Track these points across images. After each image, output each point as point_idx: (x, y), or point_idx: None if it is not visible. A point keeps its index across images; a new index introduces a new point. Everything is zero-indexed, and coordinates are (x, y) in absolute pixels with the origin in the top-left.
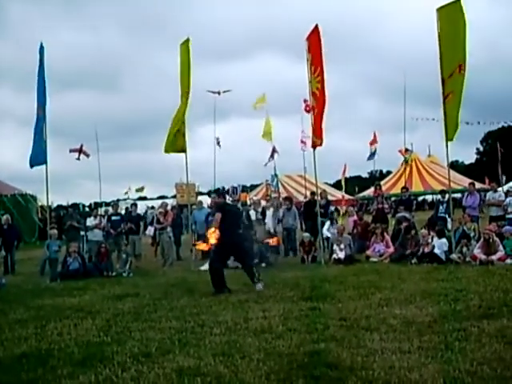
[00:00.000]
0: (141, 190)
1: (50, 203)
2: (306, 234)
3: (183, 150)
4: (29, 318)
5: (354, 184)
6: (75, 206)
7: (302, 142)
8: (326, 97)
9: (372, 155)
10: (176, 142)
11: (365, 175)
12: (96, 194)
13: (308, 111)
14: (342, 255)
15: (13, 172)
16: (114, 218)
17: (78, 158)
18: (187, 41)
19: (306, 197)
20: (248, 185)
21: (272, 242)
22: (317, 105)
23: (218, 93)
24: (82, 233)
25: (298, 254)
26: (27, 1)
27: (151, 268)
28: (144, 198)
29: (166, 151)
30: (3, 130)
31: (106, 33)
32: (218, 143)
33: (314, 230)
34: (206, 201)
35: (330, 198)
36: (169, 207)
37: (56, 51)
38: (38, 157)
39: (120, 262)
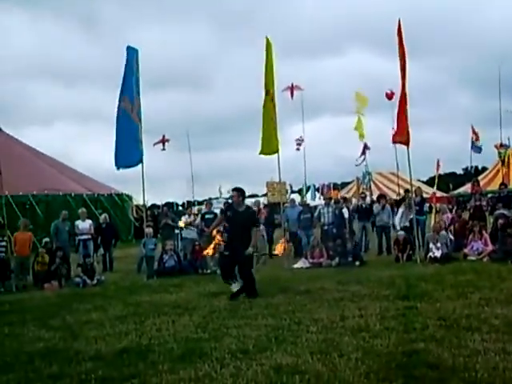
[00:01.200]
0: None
1: (144, 203)
2: (401, 232)
3: (276, 152)
4: (128, 313)
5: (447, 181)
6: (169, 204)
7: None
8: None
9: (477, 148)
10: (270, 144)
11: (459, 172)
12: (188, 193)
13: (389, 98)
14: (438, 254)
15: (108, 171)
16: (207, 216)
17: (164, 149)
18: (268, 39)
19: (398, 194)
20: (339, 182)
21: None
22: (399, 102)
23: (291, 92)
24: (177, 231)
25: (392, 252)
26: (118, 0)
27: None
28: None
29: (263, 153)
30: (95, 130)
31: (196, 30)
32: (299, 145)
33: (409, 229)
34: (298, 199)
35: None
36: (261, 206)
37: (146, 50)
38: (130, 158)
39: (214, 260)
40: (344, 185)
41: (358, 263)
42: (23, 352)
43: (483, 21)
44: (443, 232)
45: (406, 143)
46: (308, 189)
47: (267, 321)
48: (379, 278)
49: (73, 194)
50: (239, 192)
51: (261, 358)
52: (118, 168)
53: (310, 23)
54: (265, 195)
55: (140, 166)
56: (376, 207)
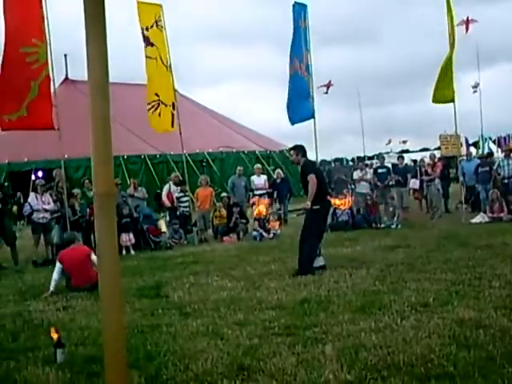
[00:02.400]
0: (404, 142)
1: (317, 159)
2: None
3: (452, 100)
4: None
5: None
6: (339, 160)
7: None
8: None
9: None
10: (445, 92)
11: None
12: (358, 148)
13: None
14: None
15: (276, 128)
16: (380, 170)
17: (326, 92)
18: None
19: None
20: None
21: None
22: None
23: (467, 26)
24: (350, 186)
25: None
26: None
27: (418, 221)
28: (406, 151)
29: (436, 101)
30: (262, 90)
31: None
32: (475, 87)
33: None
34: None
35: None
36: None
37: (314, 7)
38: (302, 113)
39: (387, 214)
40: None
41: None
42: (209, 300)
43: None
44: None
45: None
46: (485, 141)
47: (446, 275)
48: None
49: (246, 151)
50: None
51: (442, 312)
52: (293, 123)
53: None
54: (438, 149)
55: (312, 120)
56: None
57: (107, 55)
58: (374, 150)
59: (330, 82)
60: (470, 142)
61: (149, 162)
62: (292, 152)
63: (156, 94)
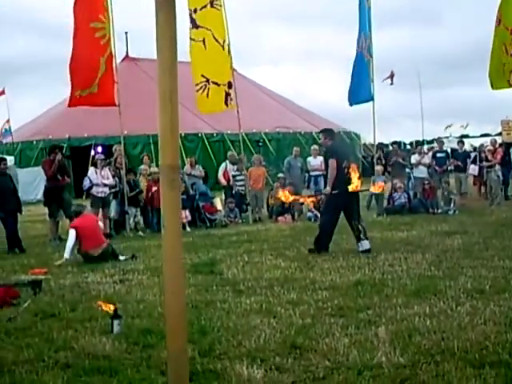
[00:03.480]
0: (466, 126)
1: (374, 141)
2: None
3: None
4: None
5: None
6: (397, 143)
7: None
8: None
9: None
10: (503, 77)
11: None
12: (417, 132)
13: None
14: None
15: (334, 110)
16: (439, 155)
17: (392, 83)
18: None
19: None
20: None
21: None
22: None
23: None
24: (407, 170)
25: None
26: None
27: (477, 207)
28: (466, 136)
29: (495, 87)
30: (324, 69)
31: None
32: None
33: None
34: None
35: None
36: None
37: None
38: (362, 95)
39: (444, 200)
40: None
41: None
42: (263, 278)
43: None
44: None
45: None
46: None
47: (504, 263)
48: None
49: (302, 132)
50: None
51: (498, 300)
52: (351, 104)
53: None
54: (499, 134)
55: (370, 103)
56: None
57: (176, 33)
58: (433, 135)
59: (392, 72)
60: None
61: (206, 141)
62: (321, 135)
63: (202, 76)
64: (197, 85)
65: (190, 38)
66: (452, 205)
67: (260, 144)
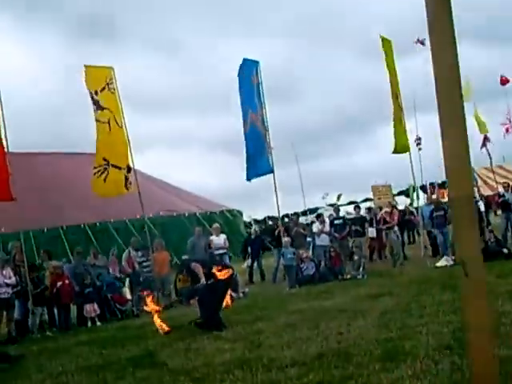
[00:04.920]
0: (338, 197)
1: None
2: None
3: (408, 150)
4: (297, 321)
5: None
6: (271, 218)
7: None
8: None
9: None
10: (402, 142)
11: None
12: (294, 204)
13: (504, 83)
14: None
15: (213, 191)
16: (336, 221)
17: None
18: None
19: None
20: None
21: None
22: None
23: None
24: (309, 239)
25: None
26: None
27: (381, 269)
28: (340, 205)
29: (397, 152)
30: (192, 154)
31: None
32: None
33: None
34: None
35: None
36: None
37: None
38: (261, 167)
39: (353, 264)
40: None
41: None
42: (216, 363)
43: None
44: None
45: None
46: (414, 189)
47: (450, 317)
48: None
49: (186, 214)
50: None
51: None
52: (250, 179)
53: None
54: (365, 201)
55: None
56: None
57: None
58: (309, 205)
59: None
60: (395, 192)
61: (89, 231)
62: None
63: (104, 159)
64: (95, 168)
65: (96, 120)
66: (361, 269)
67: (144, 230)
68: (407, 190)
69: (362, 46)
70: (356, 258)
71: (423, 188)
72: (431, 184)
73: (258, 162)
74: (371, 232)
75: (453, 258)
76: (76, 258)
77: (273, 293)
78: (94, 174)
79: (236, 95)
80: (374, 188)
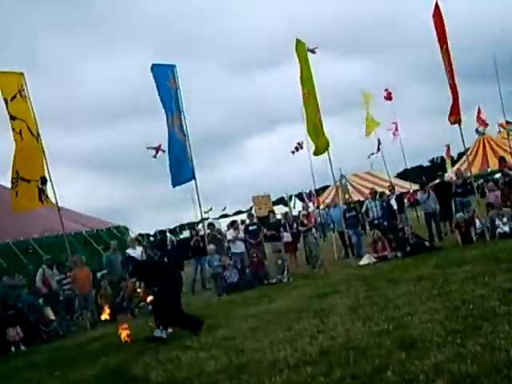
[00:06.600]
0: (208, 211)
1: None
2: (460, 214)
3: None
4: (261, 324)
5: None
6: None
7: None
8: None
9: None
10: (322, 144)
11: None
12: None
13: (389, 99)
14: (507, 229)
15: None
16: (251, 228)
17: (155, 156)
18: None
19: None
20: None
21: None
22: (451, 80)
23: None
24: (226, 245)
25: (443, 237)
26: None
27: (303, 271)
28: (225, 216)
29: (318, 153)
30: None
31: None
32: (297, 149)
33: (449, 214)
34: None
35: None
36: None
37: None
38: (183, 175)
39: (277, 268)
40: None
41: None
42: (202, 374)
43: None
44: (507, 208)
45: (459, 122)
46: (290, 198)
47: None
48: (475, 257)
49: (73, 233)
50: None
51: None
52: (174, 186)
53: None
54: (250, 210)
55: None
56: (420, 195)
57: None
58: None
59: (160, 145)
60: (274, 199)
61: None
62: None
63: (16, 172)
64: (11, 181)
65: (12, 129)
66: (285, 272)
67: (30, 251)
68: (285, 199)
69: None
70: (279, 262)
71: (299, 196)
72: (309, 192)
73: (180, 168)
74: (286, 236)
75: (375, 255)
76: None
77: (203, 302)
78: (11, 187)
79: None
80: (254, 198)
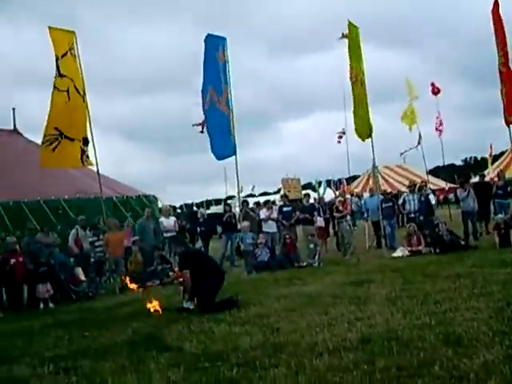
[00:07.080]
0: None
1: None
2: (500, 216)
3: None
4: (295, 306)
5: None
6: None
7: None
8: None
9: None
10: (366, 129)
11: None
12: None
13: (436, 93)
14: None
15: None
16: (285, 209)
17: (202, 131)
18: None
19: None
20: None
21: None
22: (506, 81)
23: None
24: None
25: (478, 237)
26: None
27: (333, 257)
28: (251, 196)
29: (362, 138)
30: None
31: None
32: (340, 137)
33: (486, 215)
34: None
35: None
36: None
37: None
38: (226, 150)
39: (309, 252)
40: (350, 179)
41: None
42: (239, 349)
43: None
44: None
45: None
46: (320, 184)
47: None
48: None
49: (104, 198)
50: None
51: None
52: (219, 159)
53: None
54: (276, 192)
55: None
56: (460, 193)
57: None
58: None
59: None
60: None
61: (2, 210)
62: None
63: (56, 128)
64: (45, 136)
65: (54, 86)
66: (317, 257)
67: (60, 211)
68: (312, 184)
69: None
70: (311, 246)
71: (329, 183)
72: (339, 180)
73: (224, 142)
74: (320, 221)
75: (408, 248)
76: (28, 234)
77: (232, 278)
78: (43, 143)
79: None
80: (283, 181)
